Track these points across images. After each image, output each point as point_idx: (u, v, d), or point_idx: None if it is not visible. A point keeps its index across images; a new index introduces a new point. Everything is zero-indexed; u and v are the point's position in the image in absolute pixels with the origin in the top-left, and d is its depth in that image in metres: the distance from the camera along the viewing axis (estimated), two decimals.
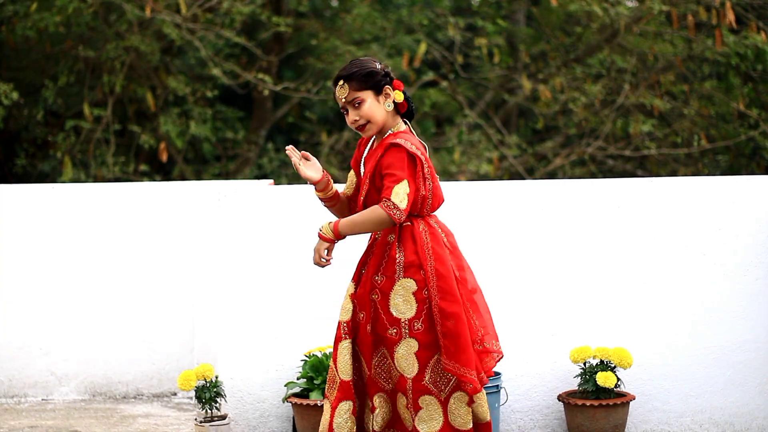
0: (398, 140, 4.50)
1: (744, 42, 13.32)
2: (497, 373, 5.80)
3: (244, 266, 6.01)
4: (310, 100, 14.49)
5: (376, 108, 4.58)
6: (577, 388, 5.87)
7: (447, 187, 6.21)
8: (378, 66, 4.58)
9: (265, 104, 15.06)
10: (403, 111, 4.66)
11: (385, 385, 4.52)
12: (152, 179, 13.66)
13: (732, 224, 6.00)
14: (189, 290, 7.33)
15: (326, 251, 4.52)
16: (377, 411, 4.51)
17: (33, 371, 7.30)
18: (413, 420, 4.48)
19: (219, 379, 5.91)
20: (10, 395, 7.29)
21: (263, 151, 14.69)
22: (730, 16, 12.64)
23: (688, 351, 5.99)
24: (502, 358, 4.63)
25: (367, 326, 4.50)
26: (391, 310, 4.48)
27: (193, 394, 6.96)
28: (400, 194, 4.44)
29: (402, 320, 4.47)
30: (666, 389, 6.00)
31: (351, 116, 4.59)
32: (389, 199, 4.43)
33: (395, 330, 4.47)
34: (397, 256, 4.51)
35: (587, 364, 5.80)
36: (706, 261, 6.00)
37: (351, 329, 4.56)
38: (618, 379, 5.74)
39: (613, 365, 5.76)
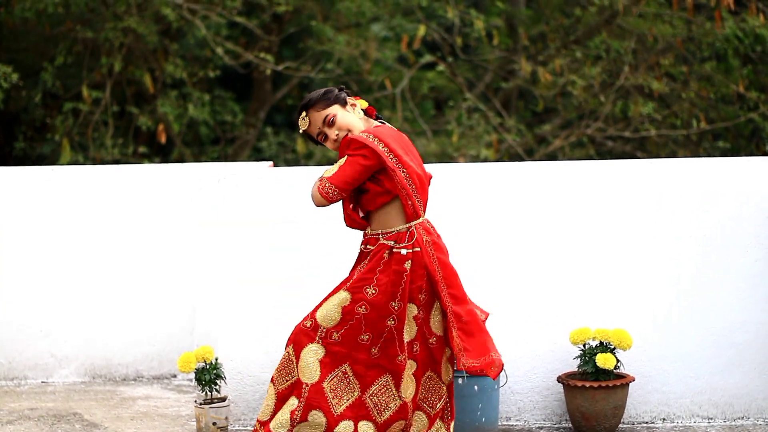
0: (352, 135, 4.57)
1: (742, 25, 13.29)
2: None
3: (244, 248, 6.01)
4: (309, 80, 14.47)
5: (349, 117, 4.61)
6: (576, 369, 5.87)
7: (445, 170, 6.22)
8: (333, 87, 4.69)
9: (264, 86, 15.04)
10: (373, 116, 4.69)
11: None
12: (151, 161, 13.65)
13: (732, 205, 6.00)
14: (189, 272, 7.33)
15: None
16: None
17: (33, 353, 7.31)
18: None
19: (219, 361, 5.91)
20: (10, 377, 7.30)
21: (262, 134, 14.67)
22: None
23: (687, 332, 6.00)
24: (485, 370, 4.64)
25: (372, 349, 4.53)
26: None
27: (192, 376, 6.97)
28: (330, 167, 4.55)
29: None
30: (666, 371, 6.00)
31: (331, 135, 4.63)
32: (322, 177, 4.53)
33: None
34: (406, 284, 4.51)
35: (587, 346, 5.81)
36: (705, 242, 6.00)
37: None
38: (617, 361, 5.74)
39: (612, 347, 5.76)
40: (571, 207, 6.03)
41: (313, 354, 4.50)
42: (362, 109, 4.67)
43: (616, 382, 5.73)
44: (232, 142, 14.78)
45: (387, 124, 4.72)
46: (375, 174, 4.52)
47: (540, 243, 6.02)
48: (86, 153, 13.34)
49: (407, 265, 4.49)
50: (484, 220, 6.02)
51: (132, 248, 7.36)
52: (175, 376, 7.39)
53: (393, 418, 4.48)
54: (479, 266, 6.01)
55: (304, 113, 4.62)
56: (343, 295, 4.53)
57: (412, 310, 4.50)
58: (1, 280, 7.28)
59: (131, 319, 7.35)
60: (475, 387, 5.66)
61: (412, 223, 4.54)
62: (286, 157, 14.29)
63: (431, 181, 4.79)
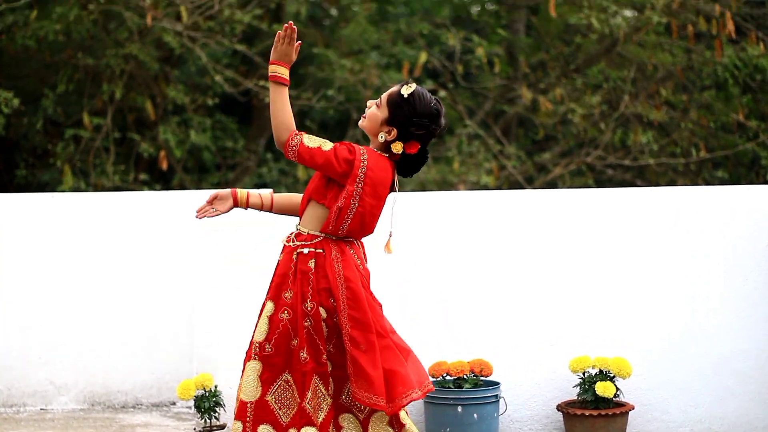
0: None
1: (742, 55, 13.34)
2: (496, 383, 5.80)
3: (244, 275, 6.01)
4: (310, 108, 14.50)
5: (374, 119, 4.57)
6: (576, 397, 5.87)
7: (446, 197, 6.23)
8: (417, 119, 4.51)
9: (264, 113, 15.08)
10: (395, 158, 4.61)
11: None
12: (152, 188, 13.66)
13: (730, 233, 6.01)
14: (188, 299, 7.33)
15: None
16: None
17: (32, 380, 7.29)
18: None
19: (218, 388, 5.90)
20: (9, 405, 7.29)
21: (262, 161, 14.70)
22: (730, 26, 12.65)
23: (687, 360, 5.99)
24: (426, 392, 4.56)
25: (300, 353, 4.46)
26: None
27: (192, 403, 6.95)
28: (315, 138, 4.49)
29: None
30: (665, 399, 6.00)
31: (367, 110, 4.60)
32: (302, 134, 4.46)
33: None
34: (313, 282, 4.48)
35: (586, 374, 5.80)
36: (704, 270, 6.00)
37: (265, 352, 4.51)
38: (617, 389, 5.74)
39: (612, 375, 5.76)
40: (571, 235, 6.04)
41: (252, 371, 4.51)
42: (387, 141, 4.57)
43: (615, 410, 5.72)
44: (233, 168, 14.80)
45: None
46: (338, 182, 4.52)
47: (540, 271, 6.03)
48: (87, 180, 13.35)
49: (311, 264, 4.49)
50: (484, 247, 6.02)
51: (131, 276, 7.36)
52: (174, 403, 7.37)
53: (328, 419, 4.47)
54: (479, 294, 6.02)
55: (382, 97, 4.60)
56: (269, 305, 4.54)
57: (322, 313, 4.48)
58: (1, 307, 7.28)
59: (130, 347, 7.34)
60: (475, 415, 5.65)
61: (324, 235, 4.53)
62: (287, 183, 14.30)
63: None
